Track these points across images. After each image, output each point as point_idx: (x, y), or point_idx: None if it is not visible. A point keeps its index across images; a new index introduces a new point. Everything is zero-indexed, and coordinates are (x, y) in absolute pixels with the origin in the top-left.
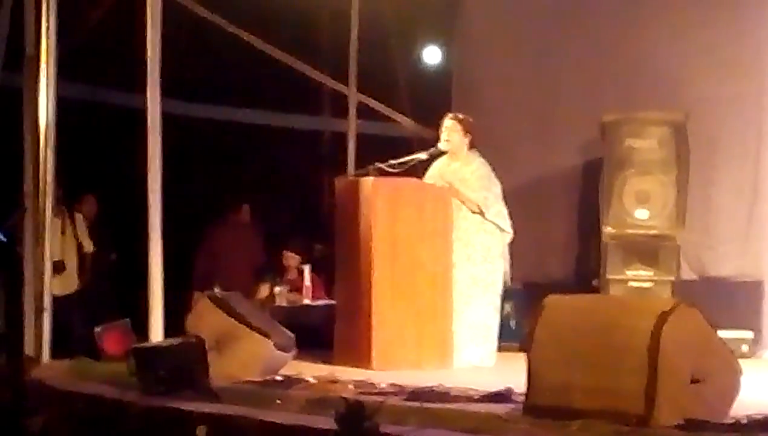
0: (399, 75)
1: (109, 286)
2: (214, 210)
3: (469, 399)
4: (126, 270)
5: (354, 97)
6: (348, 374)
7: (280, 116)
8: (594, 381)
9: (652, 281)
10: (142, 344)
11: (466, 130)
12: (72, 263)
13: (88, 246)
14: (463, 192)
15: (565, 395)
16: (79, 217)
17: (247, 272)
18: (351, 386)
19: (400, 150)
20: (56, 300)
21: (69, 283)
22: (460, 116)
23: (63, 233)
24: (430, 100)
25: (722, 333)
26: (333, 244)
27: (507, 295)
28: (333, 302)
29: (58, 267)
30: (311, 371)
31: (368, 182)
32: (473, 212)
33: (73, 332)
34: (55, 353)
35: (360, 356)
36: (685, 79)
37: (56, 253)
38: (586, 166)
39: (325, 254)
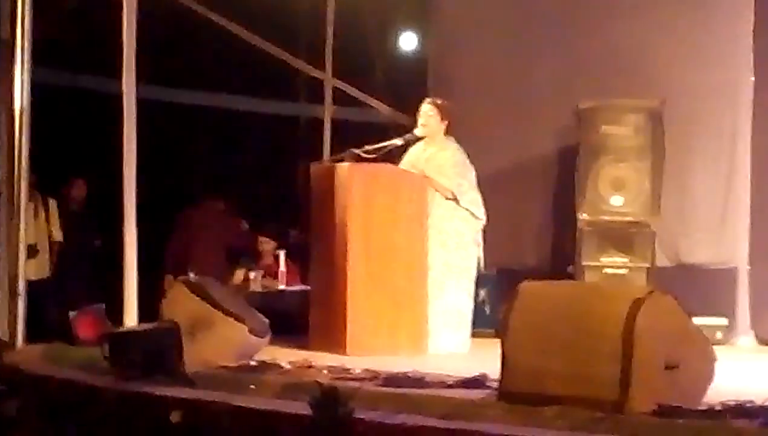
0: (375, 61)
1: (89, 271)
2: (189, 195)
3: (444, 385)
4: (109, 256)
5: (330, 82)
6: (323, 359)
7: (255, 102)
8: (568, 367)
9: (627, 267)
10: (116, 329)
11: (444, 116)
12: (45, 248)
13: (57, 235)
14: (437, 179)
15: (540, 381)
16: (53, 204)
17: (220, 258)
18: (325, 372)
19: (376, 136)
20: (30, 284)
21: (42, 267)
22: (438, 101)
23: (36, 217)
24: (406, 86)
25: (697, 320)
26: (308, 229)
27: (481, 281)
28: (308, 287)
29: (31, 251)
30: (286, 356)
31: (344, 168)
32: (447, 199)
33: (48, 317)
34: (29, 338)
35: (335, 341)
36: (661, 66)
37: (29, 237)
38: (562, 153)
39: (300, 240)
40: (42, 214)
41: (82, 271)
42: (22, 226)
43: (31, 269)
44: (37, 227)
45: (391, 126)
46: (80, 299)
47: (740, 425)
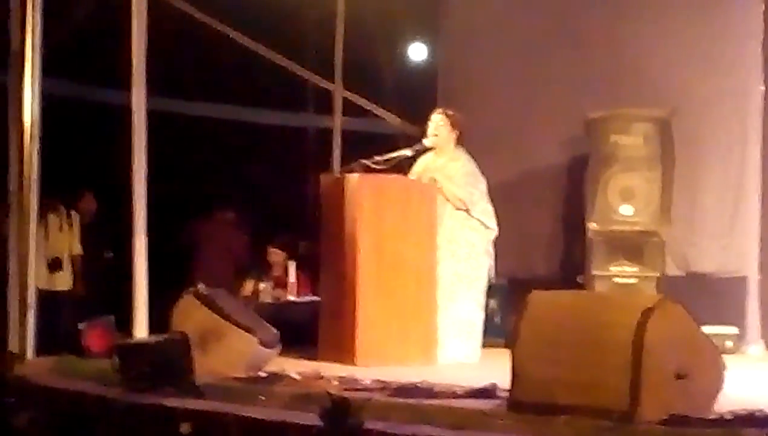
0: (384, 71)
1: (101, 284)
2: (198, 207)
3: (454, 395)
4: (122, 268)
5: (339, 93)
6: (332, 370)
7: (265, 113)
8: (578, 377)
9: (636, 277)
10: (126, 341)
11: (454, 126)
12: (69, 261)
13: (77, 249)
14: (448, 188)
15: (550, 391)
16: (75, 217)
17: (229, 269)
18: (335, 383)
19: (386, 147)
20: (55, 295)
21: (67, 279)
22: (449, 112)
23: (60, 230)
24: (416, 97)
25: (706, 329)
26: (318, 240)
27: (491, 291)
28: (318, 298)
29: (56, 264)
30: (296, 367)
31: (353, 179)
32: (458, 209)
33: (61, 328)
34: (48, 349)
35: (344, 352)
36: (670, 75)
37: (54, 250)
38: (572, 163)
39: (310, 251)
40: (66, 228)
41: (93, 283)
42: (32, 237)
43: (56, 282)
44: (61, 240)
45: (401, 137)
46: (92, 312)
47: (750, 434)
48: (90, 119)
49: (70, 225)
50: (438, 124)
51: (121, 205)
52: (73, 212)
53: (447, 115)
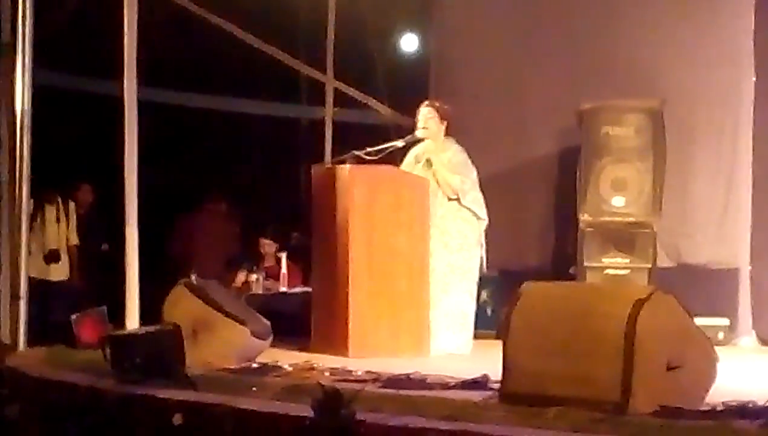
0: (376, 62)
1: (96, 275)
2: (190, 197)
3: (446, 386)
4: (117, 260)
5: (331, 84)
6: (324, 361)
7: (257, 104)
8: (570, 368)
9: (628, 268)
10: (117, 332)
11: (443, 117)
12: (65, 251)
13: (73, 239)
14: (442, 174)
15: (541, 382)
16: (72, 207)
17: (220, 260)
18: (327, 374)
19: (378, 138)
20: (50, 286)
21: (64, 270)
22: (437, 103)
23: (58, 222)
24: (408, 88)
25: (698, 320)
26: (310, 231)
27: (483, 282)
28: (309, 289)
29: (53, 256)
30: (287, 358)
31: (345, 170)
32: (449, 199)
33: (56, 319)
34: (40, 340)
35: (336, 343)
36: (661, 67)
37: (52, 242)
38: (563, 154)
39: (301, 242)
40: (63, 218)
41: (89, 274)
42: (24, 228)
43: (52, 272)
44: (58, 231)
45: (393, 128)
46: (87, 303)
47: (741, 425)
48: (89, 111)
49: (67, 216)
50: (427, 116)
51: (118, 197)
52: (70, 203)
53: (435, 107)
